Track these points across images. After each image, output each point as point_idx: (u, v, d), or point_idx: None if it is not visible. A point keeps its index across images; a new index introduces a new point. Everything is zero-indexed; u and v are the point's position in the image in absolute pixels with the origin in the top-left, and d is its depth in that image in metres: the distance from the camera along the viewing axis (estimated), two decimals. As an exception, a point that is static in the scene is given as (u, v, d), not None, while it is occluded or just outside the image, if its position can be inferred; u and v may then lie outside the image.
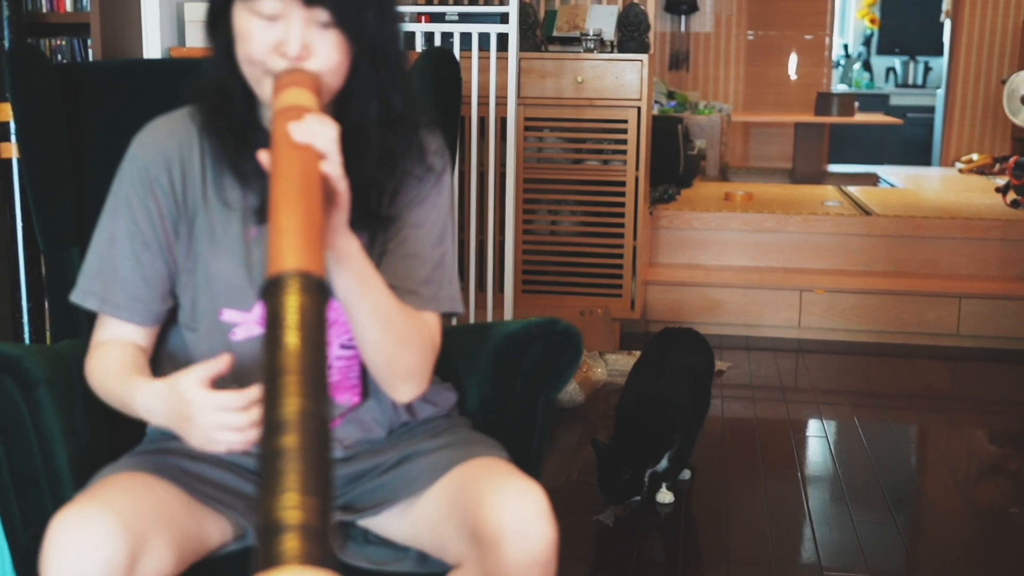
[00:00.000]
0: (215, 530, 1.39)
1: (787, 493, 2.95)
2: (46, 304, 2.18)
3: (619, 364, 3.96)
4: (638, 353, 3.52)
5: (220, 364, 1.25)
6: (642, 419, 2.71)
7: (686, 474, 2.97)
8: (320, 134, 1.20)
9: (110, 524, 1.21)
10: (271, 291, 1.05)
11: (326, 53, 1.32)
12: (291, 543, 0.85)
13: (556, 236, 4.38)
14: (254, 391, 1.23)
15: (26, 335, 2.15)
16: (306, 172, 1.17)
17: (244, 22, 1.33)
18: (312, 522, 0.87)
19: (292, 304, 1.03)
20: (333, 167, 1.21)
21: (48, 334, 2.17)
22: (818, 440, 3.42)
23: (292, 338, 1.00)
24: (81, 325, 1.83)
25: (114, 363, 1.40)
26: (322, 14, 1.31)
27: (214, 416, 1.22)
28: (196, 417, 1.23)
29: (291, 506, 0.88)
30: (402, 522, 1.42)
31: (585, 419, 3.55)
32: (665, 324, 3.55)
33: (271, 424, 0.94)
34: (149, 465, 1.37)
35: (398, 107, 1.41)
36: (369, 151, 1.39)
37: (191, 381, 1.24)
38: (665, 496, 2.82)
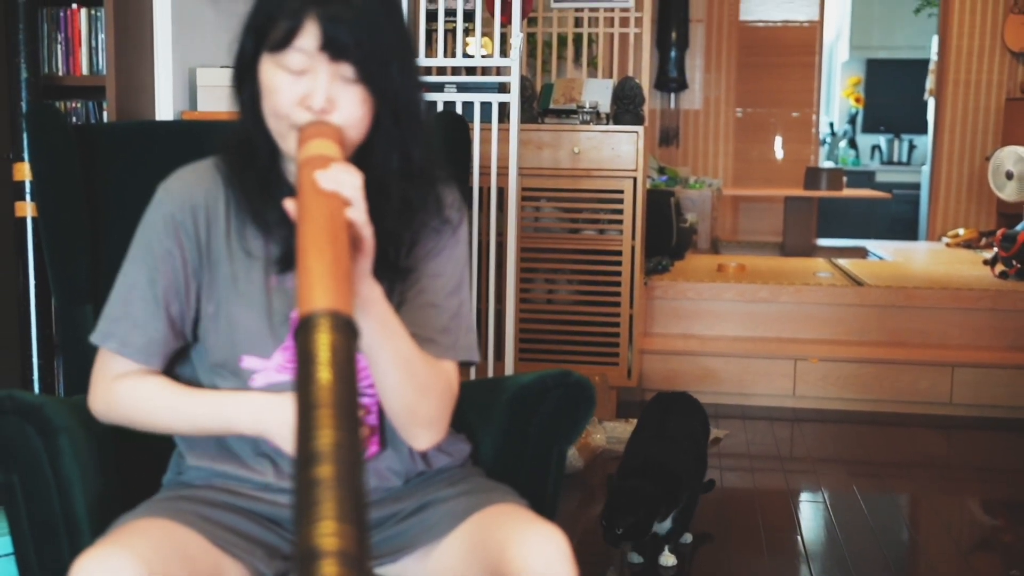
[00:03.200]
0: (234, 576, 1.39)
1: (789, 560, 2.94)
2: (56, 361, 2.20)
3: (617, 432, 3.97)
4: (635, 420, 3.53)
5: None
6: (647, 479, 2.72)
7: (687, 538, 2.97)
8: (346, 182, 1.23)
9: (132, 567, 1.21)
10: (302, 330, 1.07)
11: (350, 107, 1.36)
12: (329, 569, 0.86)
13: (553, 305, 4.41)
14: None
15: (36, 391, 2.17)
16: (333, 218, 1.21)
17: (271, 76, 1.37)
18: (350, 549, 0.88)
19: (324, 342, 1.05)
20: (359, 214, 1.24)
21: (60, 390, 2.18)
22: (817, 508, 3.42)
23: (324, 373, 1.03)
24: (94, 381, 1.85)
25: (161, 386, 1.46)
26: (347, 69, 1.35)
27: None
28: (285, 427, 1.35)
29: (328, 533, 0.89)
30: (421, 569, 1.42)
31: (584, 485, 3.55)
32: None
33: (305, 455, 0.96)
34: (169, 511, 1.38)
35: (418, 161, 1.44)
36: (389, 203, 1.42)
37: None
38: (668, 559, 2.81)
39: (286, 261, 1.44)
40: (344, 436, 0.98)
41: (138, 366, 1.47)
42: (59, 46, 2.44)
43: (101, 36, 2.42)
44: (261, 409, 1.42)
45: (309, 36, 1.33)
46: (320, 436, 0.98)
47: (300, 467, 0.95)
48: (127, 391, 1.45)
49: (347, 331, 1.08)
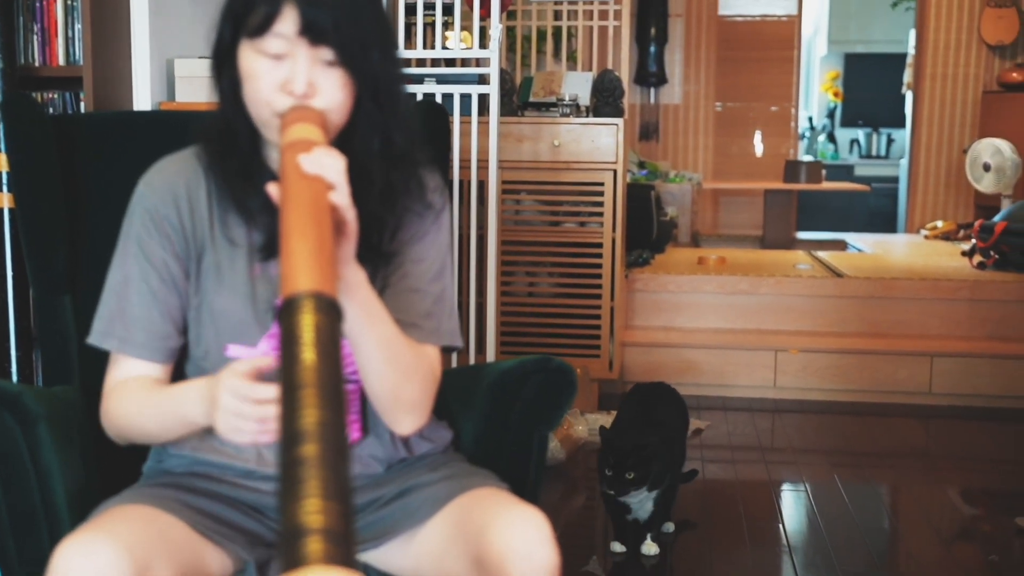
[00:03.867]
0: (215, 563, 1.39)
1: (771, 550, 2.96)
2: (34, 353, 2.18)
3: (599, 423, 3.97)
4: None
5: (266, 360, 1.27)
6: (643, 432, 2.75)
7: (669, 527, 2.98)
8: (329, 166, 1.23)
9: (115, 551, 1.21)
10: (286, 311, 1.07)
11: (331, 91, 1.36)
12: (315, 545, 0.86)
13: (534, 298, 4.41)
14: (273, 389, 1.23)
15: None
16: (316, 201, 1.20)
17: (250, 62, 1.36)
18: (335, 525, 0.88)
19: (307, 323, 1.05)
20: (342, 197, 1.24)
21: (38, 382, 2.17)
22: (799, 498, 3.44)
23: (308, 354, 1.02)
24: (73, 372, 1.84)
25: (143, 390, 1.43)
26: (327, 53, 1.35)
27: (233, 401, 1.25)
28: (220, 399, 1.26)
29: (313, 511, 0.89)
30: (403, 554, 1.42)
31: (567, 477, 3.55)
32: (643, 383, 3.57)
33: (290, 434, 0.96)
34: (150, 498, 1.38)
35: (400, 144, 1.44)
36: (372, 187, 1.42)
37: (232, 368, 1.27)
38: (651, 548, 2.82)
39: (269, 248, 1.44)
40: (329, 415, 0.98)
41: (143, 364, 1.46)
42: (35, 36, 2.43)
43: (77, 26, 2.40)
44: (198, 393, 1.35)
45: (288, 21, 1.33)
46: (305, 416, 0.97)
47: (284, 447, 0.95)
48: (116, 401, 1.45)
49: (331, 312, 1.08)
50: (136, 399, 1.42)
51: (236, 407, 1.24)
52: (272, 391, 1.23)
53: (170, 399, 1.38)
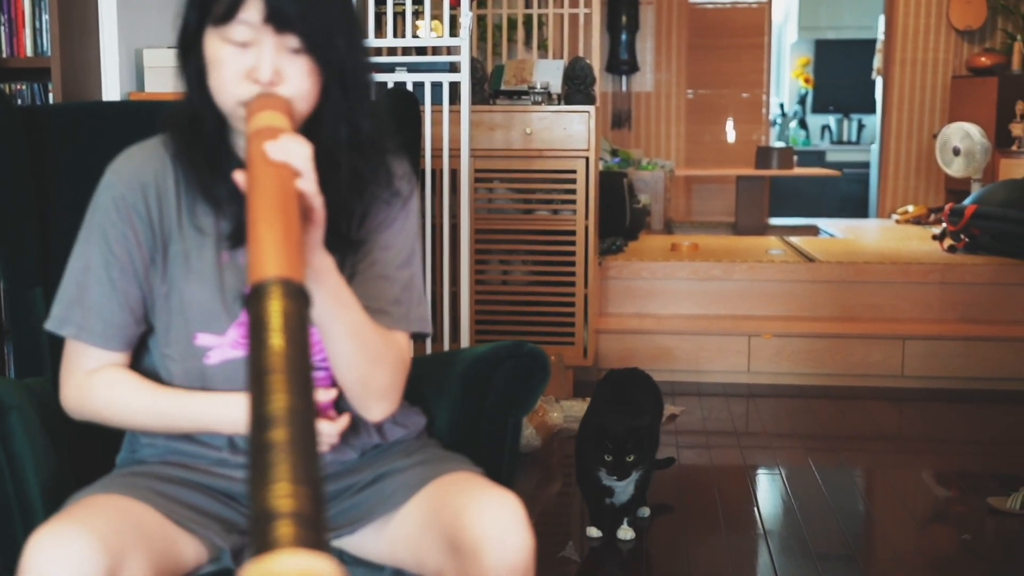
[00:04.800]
0: (190, 551, 1.39)
1: (747, 534, 2.98)
2: (5, 346, 2.17)
3: (574, 410, 3.99)
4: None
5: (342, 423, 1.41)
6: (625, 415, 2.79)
7: (644, 511, 2.99)
8: (296, 152, 1.23)
9: (88, 541, 1.21)
10: (254, 298, 1.07)
11: (297, 79, 1.36)
12: (285, 529, 0.86)
13: (508, 286, 4.42)
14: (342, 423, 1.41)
15: (-14, 377, 2.14)
16: (283, 188, 1.20)
17: (216, 49, 1.36)
18: (305, 509, 0.88)
19: (276, 309, 1.05)
20: (309, 184, 1.24)
21: (11, 375, 2.16)
22: (774, 482, 3.46)
23: (277, 340, 1.02)
24: (45, 363, 1.83)
25: (134, 382, 1.45)
26: (293, 40, 1.35)
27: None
28: None
29: (283, 495, 0.89)
30: (378, 540, 1.43)
31: (543, 463, 3.56)
32: (618, 370, 3.58)
33: (259, 420, 0.96)
34: (124, 487, 1.38)
35: (367, 132, 1.44)
36: (339, 175, 1.42)
37: None
38: (627, 532, 2.84)
39: (237, 236, 1.44)
40: (297, 401, 0.98)
41: (103, 353, 1.46)
42: (2, 27, 2.41)
43: (45, 17, 2.38)
44: (238, 409, 1.42)
45: (253, 8, 1.33)
46: (273, 401, 0.97)
47: (253, 431, 0.95)
48: (101, 389, 1.44)
49: (299, 298, 1.08)
50: (138, 395, 1.44)
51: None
52: (334, 428, 1.40)
53: (201, 415, 1.44)
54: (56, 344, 1.75)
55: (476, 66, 4.14)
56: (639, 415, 2.85)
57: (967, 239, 5.33)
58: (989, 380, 4.55)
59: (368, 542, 1.44)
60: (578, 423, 3.16)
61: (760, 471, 3.56)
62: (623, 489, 2.78)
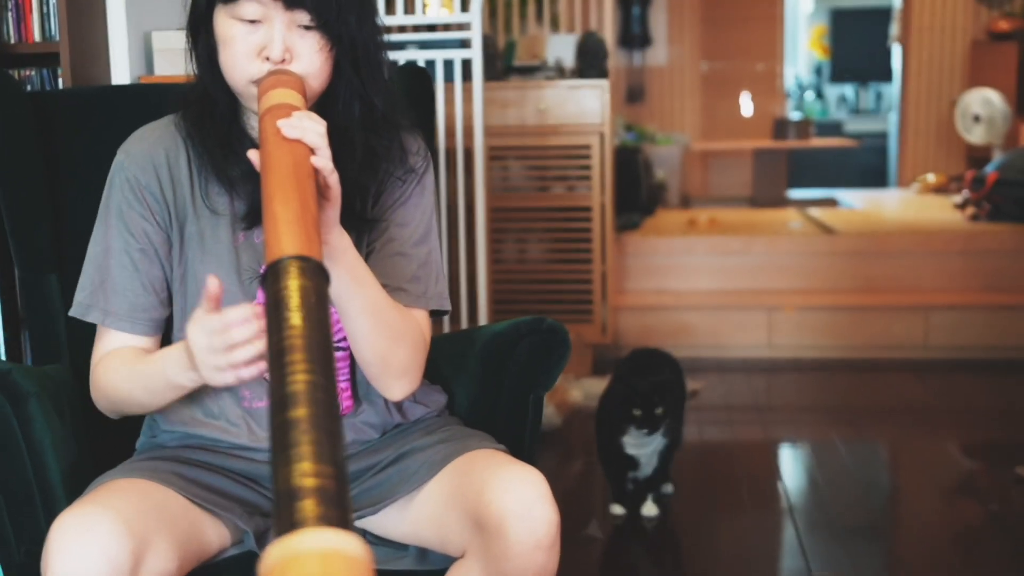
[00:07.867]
0: (214, 535, 1.38)
1: (772, 510, 2.96)
2: (22, 334, 2.16)
3: (594, 388, 3.96)
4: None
5: (212, 286, 1.20)
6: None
7: (668, 488, 2.98)
8: (310, 129, 1.21)
9: (112, 524, 1.19)
10: (271, 276, 1.05)
11: (309, 55, 1.34)
12: (309, 507, 0.85)
13: (525, 264, 4.40)
14: (239, 312, 1.18)
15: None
16: (298, 165, 1.19)
17: (226, 28, 1.35)
18: (329, 487, 0.87)
19: (293, 287, 1.04)
20: (324, 160, 1.22)
21: (28, 362, 2.15)
22: (798, 457, 3.44)
23: (295, 318, 1.01)
24: (62, 350, 1.82)
25: (129, 360, 1.40)
26: (303, 16, 1.33)
27: (204, 338, 1.19)
28: (193, 343, 1.20)
29: (306, 473, 0.88)
30: (401, 519, 1.41)
31: (563, 442, 3.55)
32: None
33: (280, 399, 0.94)
34: (146, 471, 1.36)
35: (380, 109, 1.43)
36: (353, 152, 1.40)
37: (194, 314, 1.21)
38: (651, 509, 2.82)
39: (252, 216, 1.42)
40: (318, 379, 0.97)
41: (129, 338, 1.44)
42: (9, 13, 2.39)
43: (52, 1, 2.36)
44: (179, 354, 1.29)
45: (262, -15, 1.31)
46: (294, 380, 0.96)
47: (275, 411, 0.94)
48: (102, 373, 1.43)
49: (317, 276, 1.06)
50: (123, 369, 1.40)
51: (208, 343, 1.19)
52: (239, 314, 1.17)
53: (154, 364, 1.35)
54: (74, 331, 1.74)
55: (487, 42, 4.11)
56: (657, 368, 2.86)
57: (989, 207, 5.28)
58: (1014, 349, 4.51)
59: (391, 521, 1.43)
60: (598, 402, 3.14)
61: (783, 446, 3.54)
62: (647, 460, 2.76)
